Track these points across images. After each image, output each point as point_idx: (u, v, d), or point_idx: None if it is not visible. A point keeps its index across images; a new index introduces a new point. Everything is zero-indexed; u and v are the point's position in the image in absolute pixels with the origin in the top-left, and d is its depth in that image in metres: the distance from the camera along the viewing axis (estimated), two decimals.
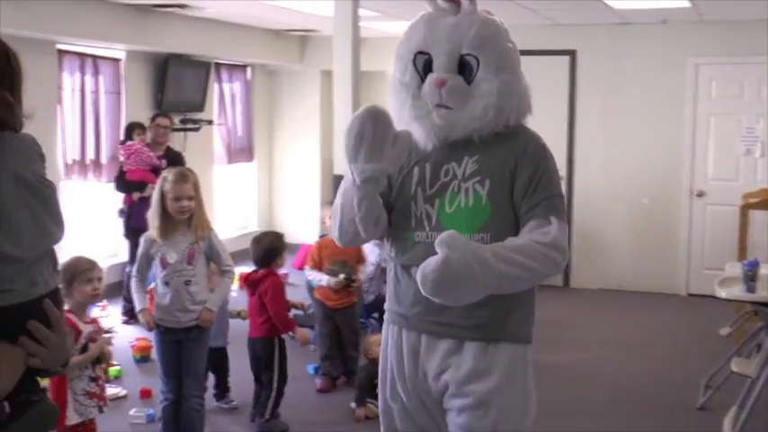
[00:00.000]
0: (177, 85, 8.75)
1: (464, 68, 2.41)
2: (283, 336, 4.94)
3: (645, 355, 6.49)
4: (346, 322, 5.71)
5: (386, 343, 2.60)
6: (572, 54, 8.86)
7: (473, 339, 2.42)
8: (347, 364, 5.71)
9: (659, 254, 8.64)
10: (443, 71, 2.41)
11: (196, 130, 9.21)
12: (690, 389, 5.42)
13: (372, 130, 2.35)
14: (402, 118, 2.48)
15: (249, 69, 10.63)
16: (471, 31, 2.41)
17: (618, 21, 8.45)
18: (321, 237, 6.14)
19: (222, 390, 5.31)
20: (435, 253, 2.18)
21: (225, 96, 10.15)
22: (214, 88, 9.82)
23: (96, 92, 7.95)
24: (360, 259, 5.74)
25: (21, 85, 1.59)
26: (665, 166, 8.58)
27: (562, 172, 8.81)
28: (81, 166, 7.78)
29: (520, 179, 2.40)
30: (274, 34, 10.13)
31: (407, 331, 2.51)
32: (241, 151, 10.56)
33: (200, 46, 8.87)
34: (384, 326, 2.63)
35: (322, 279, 5.58)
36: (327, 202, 6.05)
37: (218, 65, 9.82)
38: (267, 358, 4.87)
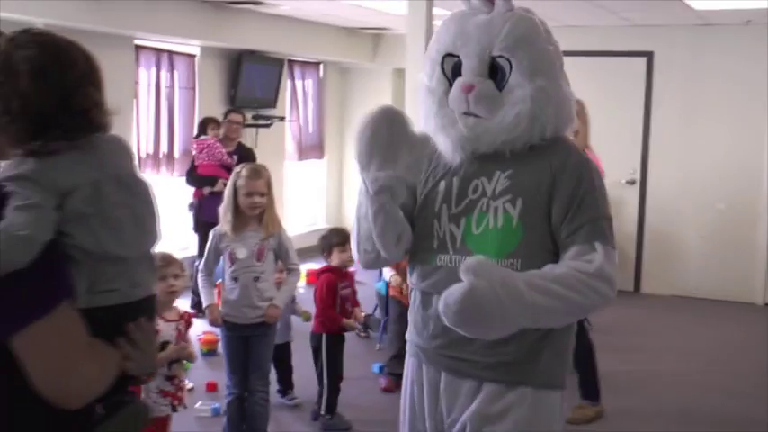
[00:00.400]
0: (250, 82, 8.83)
1: (496, 72, 2.16)
2: (347, 333, 4.96)
3: (718, 366, 6.30)
4: None
5: (406, 377, 2.36)
6: (649, 55, 8.67)
7: (491, 380, 2.15)
8: None
9: (735, 261, 8.40)
10: (472, 75, 2.16)
11: (268, 126, 9.28)
12: (764, 404, 5.24)
13: (387, 132, 2.14)
14: (429, 127, 2.26)
15: (321, 67, 10.68)
16: (504, 29, 2.15)
17: (698, 22, 8.23)
18: None
19: (285, 386, 5.32)
20: (459, 280, 1.96)
21: (297, 93, 10.20)
22: (286, 85, 9.88)
23: (171, 87, 8.08)
24: None
25: (102, 85, 1.59)
26: (742, 170, 8.34)
27: (635, 175, 8.85)
28: (154, 159, 7.91)
29: (558, 199, 2.12)
30: (347, 32, 10.15)
31: (427, 366, 2.27)
32: (312, 148, 10.61)
33: (274, 43, 8.93)
34: (406, 357, 2.38)
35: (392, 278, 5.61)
36: None
37: (290, 62, 9.88)
38: (315, 353, 4.92)
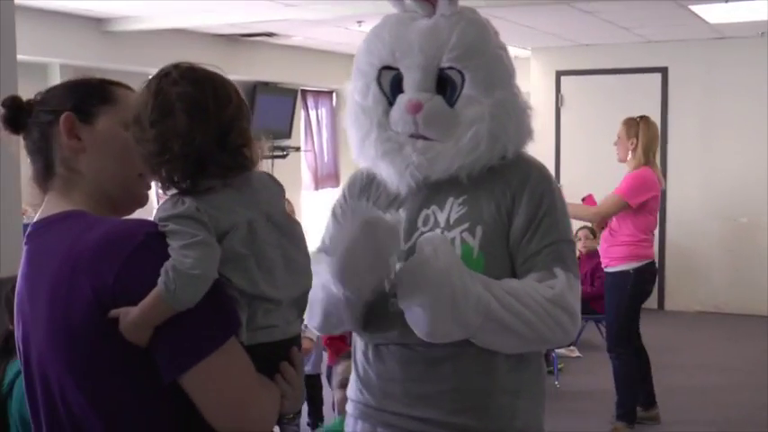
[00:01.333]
0: (265, 113, 8.85)
1: (445, 86, 1.87)
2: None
3: (753, 380, 6.19)
4: None
5: None
6: (664, 71, 8.63)
7: None
8: None
9: (760, 274, 8.29)
10: (418, 91, 1.86)
11: (283, 157, 9.30)
12: None
13: (372, 247, 1.76)
14: (366, 153, 1.94)
15: (334, 95, 10.70)
16: (452, 36, 1.85)
17: (713, 35, 8.19)
18: None
19: (315, 418, 5.26)
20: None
21: (311, 123, 10.23)
22: (300, 115, 9.91)
23: None
24: None
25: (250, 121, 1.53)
26: (764, 183, 8.25)
27: None
28: None
29: (517, 220, 1.86)
30: None
31: (383, 429, 1.94)
32: (327, 177, 10.61)
33: (287, 73, 8.97)
34: (347, 418, 2.06)
35: None
36: None
37: (303, 92, 9.91)
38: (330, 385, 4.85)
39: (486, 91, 1.86)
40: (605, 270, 5.16)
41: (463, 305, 1.72)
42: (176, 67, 1.45)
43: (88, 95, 1.54)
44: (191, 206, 1.39)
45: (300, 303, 1.55)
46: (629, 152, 5.01)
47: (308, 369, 4.47)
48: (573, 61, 8.92)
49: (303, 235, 1.57)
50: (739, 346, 7.24)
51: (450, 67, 1.86)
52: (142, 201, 1.59)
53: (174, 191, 1.44)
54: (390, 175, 1.92)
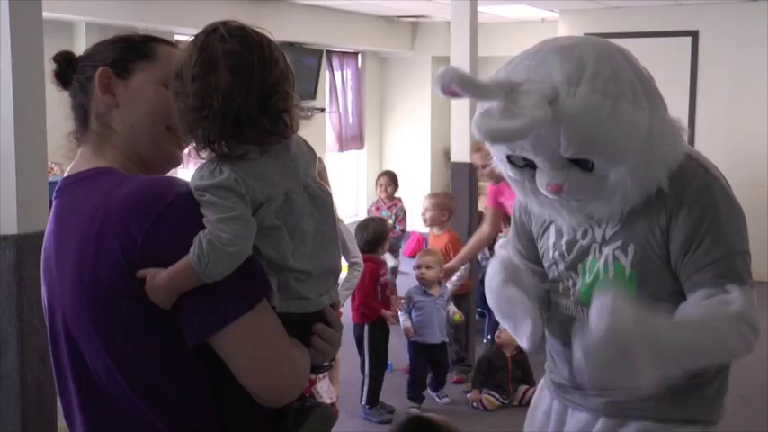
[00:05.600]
0: None
1: (577, 160, 1.79)
2: (391, 324, 4.96)
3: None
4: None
5: (540, 410, 2.19)
6: (694, 35, 8.50)
7: (632, 417, 1.95)
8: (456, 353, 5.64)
9: None
10: (552, 172, 1.81)
11: (308, 118, 9.28)
12: None
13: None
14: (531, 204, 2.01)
15: (360, 56, 10.65)
16: (562, 140, 1.74)
17: None
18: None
19: (438, 384, 5.28)
20: (579, 328, 1.78)
21: (336, 84, 10.19)
22: (326, 76, 9.87)
23: None
24: (456, 248, 5.59)
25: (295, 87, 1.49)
26: None
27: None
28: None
29: (676, 238, 1.81)
30: (386, 21, 10.10)
31: (577, 412, 2.05)
32: (352, 139, 10.59)
33: (313, 34, 8.92)
34: (540, 388, 2.24)
35: None
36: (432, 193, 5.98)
37: (329, 53, 9.86)
38: (358, 344, 4.92)
39: (619, 161, 1.78)
40: None
41: (652, 360, 1.69)
42: (225, 24, 1.43)
43: (127, 51, 1.53)
44: (230, 176, 1.36)
45: (333, 274, 1.53)
46: None
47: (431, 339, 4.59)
48: (601, 24, 8.79)
49: (333, 205, 1.54)
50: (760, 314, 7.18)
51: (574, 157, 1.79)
52: (174, 160, 1.57)
53: (208, 154, 1.41)
54: (559, 221, 1.98)
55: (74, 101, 1.55)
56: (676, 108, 8.82)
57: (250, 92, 1.37)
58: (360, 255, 4.34)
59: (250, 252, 1.36)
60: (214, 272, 1.32)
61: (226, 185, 1.35)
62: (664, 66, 8.31)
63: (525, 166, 1.86)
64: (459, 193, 5.85)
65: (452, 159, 5.98)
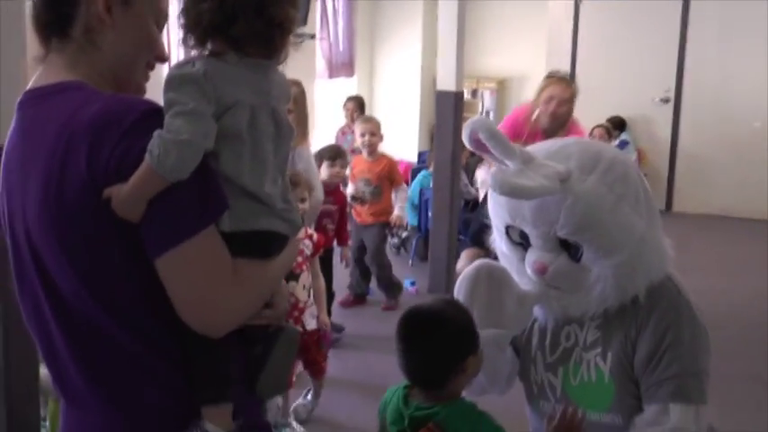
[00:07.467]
0: None
1: (568, 245, 1.90)
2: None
3: (746, 284, 6.31)
4: (371, 239, 5.70)
5: None
6: None
7: None
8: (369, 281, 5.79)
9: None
10: (541, 252, 1.93)
11: (297, 46, 9.20)
12: None
13: (486, 292, 2.01)
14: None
15: None
16: (560, 216, 1.85)
17: None
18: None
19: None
20: None
21: (327, 10, 10.09)
22: (317, 2, 9.77)
23: None
24: (396, 182, 5.68)
25: (298, 11, 1.49)
26: None
27: (670, 93, 8.69)
28: None
29: (640, 351, 1.91)
30: None
31: None
32: (342, 66, 10.53)
33: None
34: None
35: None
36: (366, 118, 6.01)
37: None
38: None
39: (607, 254, 1.87)
40: None
41: None
42: None
43: None
44: (199, 69, 1.38)
45: (290, 206, 1.52)
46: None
47: None
48: None
49: (289, 145, 1.54)
50: (738, 250, 7.35)
51: (567, 238, 1.89)
52: (140, 90, 1.57)
53: (191, 51, 1.42)
54: (536, 307, 2.06)
55: None
56: (668, 40, 8.79)
57: None
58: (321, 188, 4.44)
59: (206, 144, 1.35)
60: (167, 163, 1.30)
61: (192, 78, 1.37)
62: (658, 6, 8.27)
63: (519, 245, 1.99)
64: (443, 120, 5.91)
65: (438, 88, 6.01)
